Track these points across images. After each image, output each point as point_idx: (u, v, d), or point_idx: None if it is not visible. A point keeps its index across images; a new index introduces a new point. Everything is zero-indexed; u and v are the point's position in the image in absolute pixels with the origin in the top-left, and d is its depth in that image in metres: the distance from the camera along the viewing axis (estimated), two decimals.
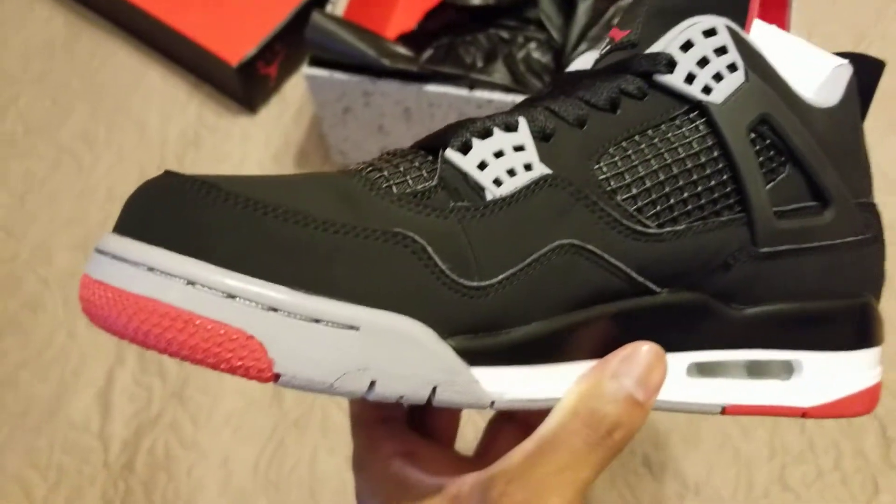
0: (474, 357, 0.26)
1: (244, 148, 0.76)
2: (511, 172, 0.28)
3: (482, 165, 0.28)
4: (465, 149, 0.28)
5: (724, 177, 0.30)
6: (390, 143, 0.68)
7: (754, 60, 0.30)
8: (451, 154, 0.28)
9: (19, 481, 0.61)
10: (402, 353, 0.25)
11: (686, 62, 0.30)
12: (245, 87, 0.74)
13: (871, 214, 0.34)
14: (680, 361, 0.31)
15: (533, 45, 0.73)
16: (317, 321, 0.23)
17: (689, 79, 0.30)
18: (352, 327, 0.24)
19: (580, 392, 0.29)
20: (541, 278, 0.27)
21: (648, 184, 0.29)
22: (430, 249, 0.26)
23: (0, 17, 0.88)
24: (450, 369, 0.25)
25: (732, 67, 0.30)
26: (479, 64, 0.72)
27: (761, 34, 0.32)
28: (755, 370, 0.33)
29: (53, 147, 0.78)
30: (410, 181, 0.27)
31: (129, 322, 0.23)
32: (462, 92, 0.60)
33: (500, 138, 0.28)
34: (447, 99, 0.61)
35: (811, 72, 0.32)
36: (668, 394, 0.30)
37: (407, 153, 0.29)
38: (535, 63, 0.72)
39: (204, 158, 0.75)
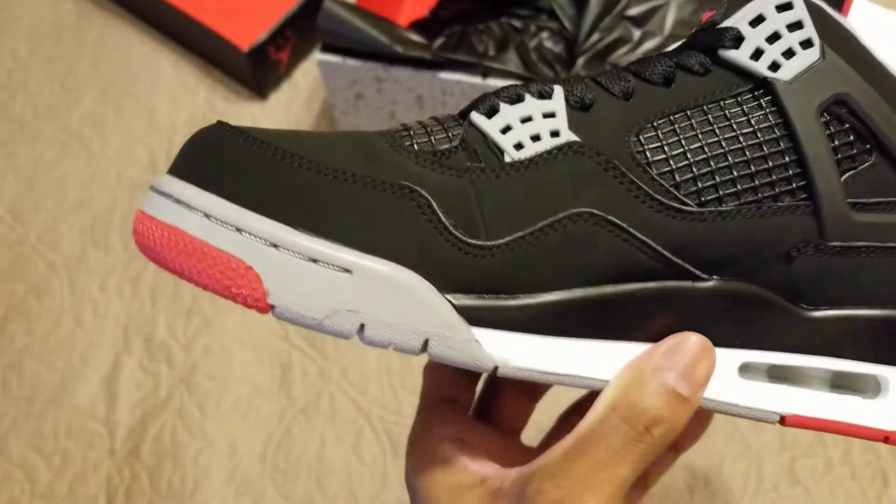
0: (478, 317, 0.26)
1: None
2: (535, 138, 0.27)
3: (506, 129, 0.28)
4: (492, 112, 0.28)
5: (787, 159, 0.28)
6: None
7: (836, 37, 0.28)
8: (477, 117, 0.28)
9: (24, 467, 0.61)
10: (394, 301, 0.26)
11: (754, 37, 0.28)
12: (255, 72, 0.74)
13: None
14: (731, 359, 0.29)
15: (545, 34, 0.73)
16: (314, 261, 0.25)
17: (757, 55, 0.28)
18: (346, 270, 0.25)
19: (620, 385, 0.27)
20: (555, 246, 0.27)
21: (691, 160, 0.27)
22: (434, 204, 0.26)
23: (9, 0, 0.87)
24: (444, 324, 0.26)
25: (807, 44, 0.28)
26: (491, 52, 0.71)
27: (867, 14, 0.30)
28: (833, 382, 0.30)
29: (62, 131, 0.78)
30: (434, 141, 0.28)
31: (156, 246, 0.26)
32: (475, 80, 0.59)
33: (530, 104, 0.28)
34: (460, 86, 0.60)
35: None
36: (716, 392, 0.28)
37: (444, 118, 0.29)
38: (548, 52, 0.71)
39: None
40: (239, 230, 0.25)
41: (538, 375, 0.27)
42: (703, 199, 0.27)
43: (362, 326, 0.26)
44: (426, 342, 0.26)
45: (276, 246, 0.25)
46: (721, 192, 0.27)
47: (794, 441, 0.57)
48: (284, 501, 0.58)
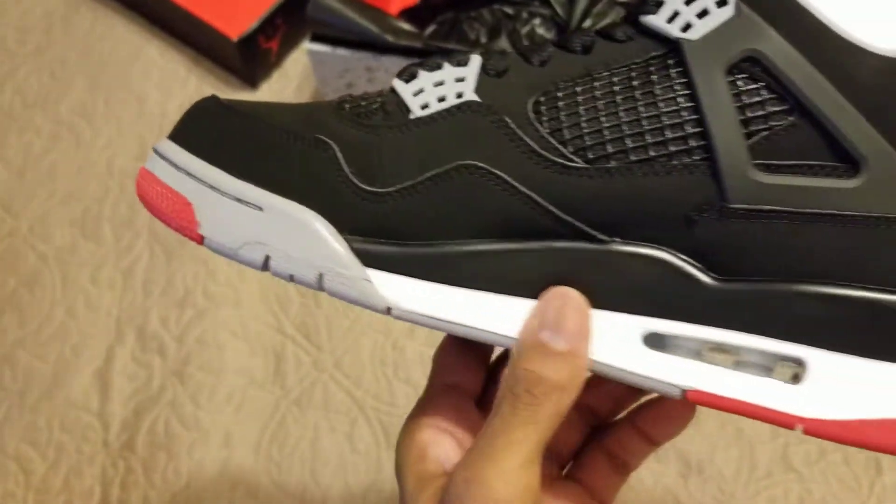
0: (373, 259, 0.29)
1: None
2: (441, 99, 0.29)
3: (418, 92, 0.30)
4: (410, 78, 0.30)
5: (684, 118, 0.27)
6: None
7: None
8: (397, 82, 0.31)
9: (18, 460, 0.61)
10: (295, 237, 0.29)
11: (673, 1, 0.28)
12: (246, 61, 0.73)
13: None
14: (635, 326, 0.28)
15: (537, 20, 0.72)
16: (238, 200, 0.29)
17: (673, 17, 0.28)
18: (258, 208, 0.29)
19: (512, 351, 0.28)
20: (443, 196, 0.28)
21: (583, 118, 0.28)
22: (339, 155, 0.29)
23: None
24: (338, 261, 0.28)
25: (721, 2, 0.27)
26: (483, 40, 0.71)
27: None
28: (746, 360, 0.28)
29: (52, 121, 0.77)
30: (362, 104, 0.31)
31: (141, 191, 0.31)
32: None
33: (446, 71, 0.30)
34: None
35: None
36: (616, 360, 0.28)
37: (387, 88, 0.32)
38: (540, 39, 0.71)
39: None
40: (189, 174, 0.30)
41: (429, 321, 0.29)
42: (590, 156, 0.28)
43: (267, 258, 0.29)
44: (321, 277, 0.29)
45: (212, 187, 0.29)
46: (609, 150, 0.27)
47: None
48: (279, 492, 0.58)
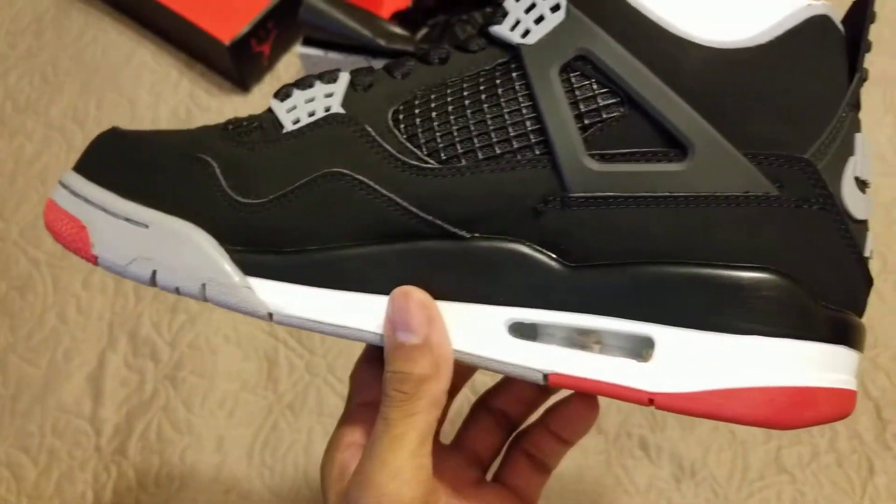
0: (253, 268, 0.30)
1: None
2: (311, 114, 0.31)
3: (291, 108, 0.32)
4: (285, 97, 0.32)
5: (525, 116, 0.29)
6: None
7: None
8: (273, 101, 0.33)
9: (9, 465, 0.60)
10: (179, 252, 0.30)
11: (515, 10, 0.30)
12: (238, 65, 0.73)
13: (795, 171, 0.28)
14: (499, 316, 0.29)
15: None
16: (127, 220, 0.31)
17: (515, 25, 0.30)
18: (144, 226, 0.31)
19: None
20: (312, 203, 0.30)
21: (436, 123, 0.30)
22: (218, 171, 0.31)
23: None
24: (219, 271, 0.30)
25: (555, 8, 0.29)
26: None
27: None
28: (603, 342, 0.29)
29: (43, 125, 0.77)
30: (244, 123, 0.33)
31: (46, 219, 0.32)
32: None
33: (317, 88, 0.32)
34: None
35: (746, 10, 0.29)
36: (481, 349, 0.29)
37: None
38: None
39: None
40: (85, 199, 0.31)
41: (311, 325, 0.30)
42: (442, 157, 0.29)
43: (154, 273, 0.30)
44: (204, 287, 0.30)
45: (104, 209, 0.31)
46: (459, 150, 0.29)
47: (779, 430, 0.57)
48: (272, 497, 0.57)
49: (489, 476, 0.40)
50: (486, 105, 0.29)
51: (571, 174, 0.28)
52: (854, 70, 0.30)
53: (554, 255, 0.29)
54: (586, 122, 0.29)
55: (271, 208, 0.30)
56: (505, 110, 0.29)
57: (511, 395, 0.39)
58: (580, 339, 0.29)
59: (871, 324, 0.59)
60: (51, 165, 0.74)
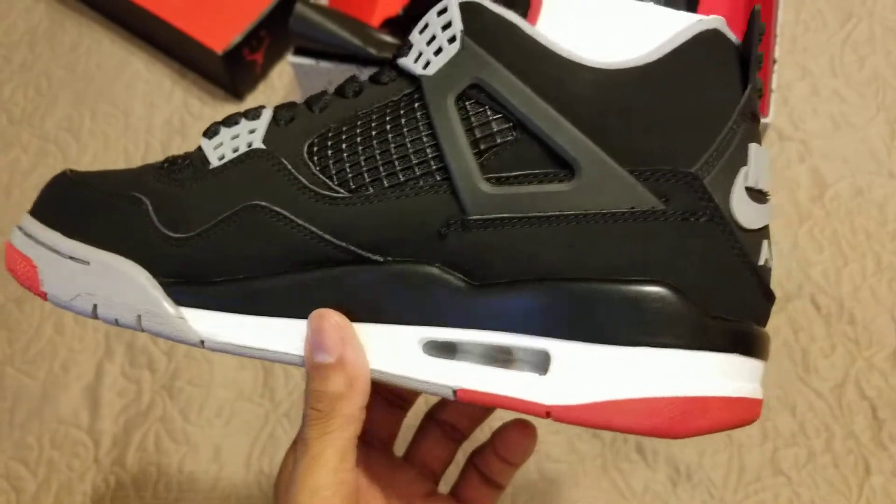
0: (185, 298, 0.32)
1: None
2: (235, 150, 0.33)
3: (218, 145, 0.33)
4: (213, 135, 0.34)
5: (426, 144, 0.30)
6: None
7: (482, 28, 0.30)
8: (202, 139, 0.34)
9: (8, 478, 0.61)
10: (117, 286, 0.32)
11: (419, 42, 0.31)
12: (231, 74, 0.73)
13: (681, 185, 0.29)
14: (412, 336, 0.31)
15: None
16: (70, 258, 0.32)
17: (418, 57, 0.31)
18: (85, 262, 0.32)
19: None
20: (235, 235, 0.32)
21: (346, 154, 0.31)
22: (150, 208, 0.33)
23: None
24: (153, 303, 0.32)
25: (452, 39, 0.30)
26: None
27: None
28: (507, 357, 0.30)
29: (38, 137, 0.77)
30: (179, 161, 0.34)
31: (6, 261, 0.34)
32: None
33: (241, 125, 0.34)
34: None
35: (637, 31, 0.30)
36: (394, 368, 0.31)
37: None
38: None
39: (190, 146, 0.74)
40: (36, 240, 0.33)
41: (241, 350, 0.32)
42: (352, 186, 0.31)
43: (95, 306, 0.32)
44: (139, 318, 0.32)
45: (51, 249, 0.33)
46: (366, 179, 0.31)
47: (775, 431, 0.57)
48: None
49: (448, 489, 0.41)
50: (391, 134, 0.31)
51: (469, 198, 0.29)
52: (748, 81, 0.30)
53: (461, 276, 0.30)
54: (482, 147, 0.30)
55: (199, 242, 0.32)
56: (408, 139, 0.30)
57: (456, 409, 0.40)
58: (496, 356, 0.30)
59: (865, 324, 0.60)
60: (46, 177, 0.74)
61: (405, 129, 0.31)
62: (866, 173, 0.67)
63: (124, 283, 0.32)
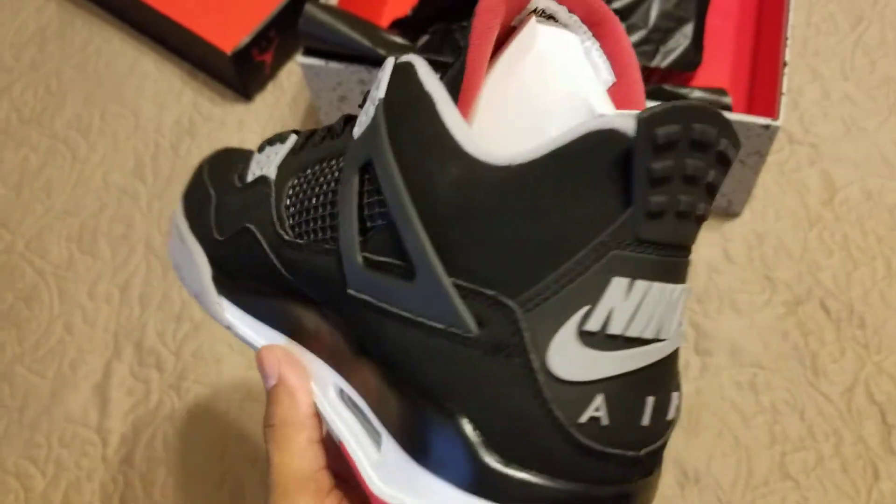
0: (220, 289, 0.36)
1: (240, 136, 0.75)
2: (257, 172, 0.36)
3: (256, 163, 0.37)
4: (260, 150, 0.37)
5: (334, 208, 0.30)
6: None
7: (395, 97, 0.27)
8: (254, 153, 0.38)
9: (18, 476, 0.61)
10: (190, 265, 0.38)
11: (370, 100, 0.29)
12: (240, 74, 0.73)
13: (498, 315, 0.25)
14: (332, 382, 0.32)
15: None
16: (179, 237, 0.39)
17: (362, 118, 0.30)
18: (182, 241, 0.38)
19: None
20: (240, 250, 0.35)
21: (297, 200, 0.33)
22: (212, 207, 0.38)
23: None
24: (203, 287, 0.37)
25: (378, 106, 0.28)
26: None
27: (545, 37, 0.28)
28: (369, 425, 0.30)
29: (48, 136, 0.77)
30: (240, 170, 0.39)
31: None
32: None
33: (273, 148, 0.36)
34: None
35: (544, 123, 0.27)
36: (323, 409, 0.32)
37: None
38: None
39: (199, 146, 0.75)
40: (176, 226, 0.40)
41: (249, 344, 0.35)
42: (296, 231, 0.32)
43: (182, 277, 0.39)
44: (198, 296, 0.37)
45: (177, 226, 0.39)
46: (302, 229, 0.32)
47: (784, 435, 0.57)
48: None
49: None
50: (320, 190, 0.31)
51: (350, 271, 0.29)
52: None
53: (350, 337, 0.30)
54: (367, 224, 0.28)
55: (225, 247, 0.36)
56: (329, 199, 0.31)
57: None
58: (364, 421, 0.31)
59: (875, 328, 0.59)
60: (55, 177, 0.75)
61: (328, 189, 0.31)
62: (877, 177, 0.67)
63: (193, 264, 0.37)
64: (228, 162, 0.40)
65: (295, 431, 0.32)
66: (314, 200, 0.31)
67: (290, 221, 0.33)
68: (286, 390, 0.32)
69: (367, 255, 0.28)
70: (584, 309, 0.24)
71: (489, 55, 0.27)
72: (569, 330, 0.25)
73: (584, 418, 0.25)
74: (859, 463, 0.56)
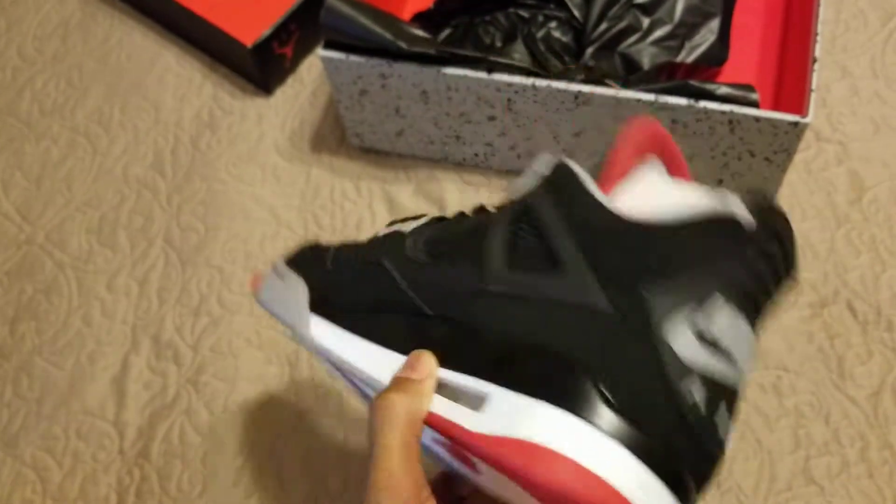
0: (316, 307, 0.41)
1: (260, 129, 0.75)
2: (392, 227, 0.43)
3: (384, 228, 0.44)
4: (389, 225, 0.43)
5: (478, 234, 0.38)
6: (407, 126, 0.66)
7: (551, 177, 0.38)
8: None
9: (35, 468, 0.61)
10: (287, 300, 0.42)
11: (528, 176, 0.40)
12: (260, 67, 0.73)
13: (632, 301, 0.33)
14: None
15: (553, 24, 0.71)
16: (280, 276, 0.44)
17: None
18: (281, 277, 0.44)
19: None
20: (364, 278, 0.41)
21: (437, 235, 0.40)
22: (317, 252, 0.45)
23: None
24: (300, 314, 0.41)
25: (534, 176, 0.39)
26: (498, 44, 0.70)
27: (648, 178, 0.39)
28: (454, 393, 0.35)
29: (68, 129, 0.78)
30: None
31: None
32: (480, 75, 0.58)
33: (416, 222, 0.42)
34: (465, 82, 0.59)
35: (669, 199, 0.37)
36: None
37: None
38: (556, 42, 0.70)
39: (219, 140, 0.74)
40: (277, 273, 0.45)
41: (331, 356, 0.39)
42: (432, 253, 0.39)
43: (277, 312, 0.43)
44: (293, 325, 0.41)
45: (278, 277, 0.44)
46: (440, 250, 0.39)
47: (808, 439, 0.56)
48: (293, 502, 0.57)
49: None
50: (463, 225, 0.40)
51: (491, 272, 0.36)
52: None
53: (458, 334, 0.36)
54: (516, 242, 0.37)
55: (336, 275, 0.42)
56: (472, 227, 0.39)
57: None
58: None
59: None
60: (76, 169, 0.75)
61: (472, 224, 0.40)
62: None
63: (291, 295, 0.42)
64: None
65: (409, 425, 0.35)
66: (457, 231, 0.39)
67: (427, 248, 0.39)
68: (420, 391, 0.35)
69: (513, 260, 0.36)
70: (693, 303, 0.32)
71: (626, 163, 0.38)
72: (682, 314, 0.32)
73: (684, 387, 0.31)
74: (885, 468, 0.55)
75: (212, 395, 0.62)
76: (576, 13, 0.71)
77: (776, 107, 0.66)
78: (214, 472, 0.59)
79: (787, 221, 0.36)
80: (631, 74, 0.67)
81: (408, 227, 0.42)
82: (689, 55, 0.68)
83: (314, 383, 0.61)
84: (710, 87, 0.57)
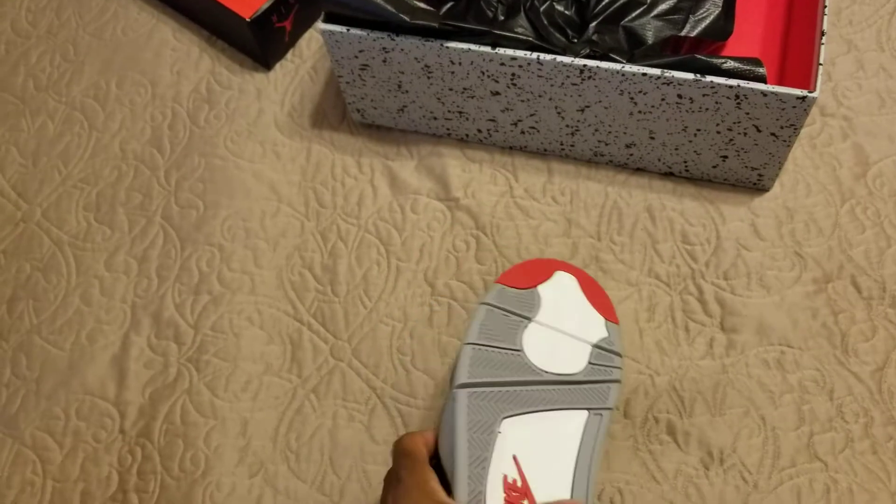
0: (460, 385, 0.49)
1: (259, 104, 0.74)
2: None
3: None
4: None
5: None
6: (409, 102, 0.66)
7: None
8: None
9: (35, 448, 0.60)
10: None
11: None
12: (259, 41, 0.72)
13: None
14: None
15: None
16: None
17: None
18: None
19: None
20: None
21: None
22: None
23: None
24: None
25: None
26: (501, 17, 0.69)
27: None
28: None
29: (64, 104, 0.76)
30: None
31: None
32: (484, 49, 0.58)
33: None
34: (469, 56, 0.58)
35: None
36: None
37: None
38: (559, 16, 0.69)
39: (218, 115, 0.73)
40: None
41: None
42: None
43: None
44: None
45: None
46: None
47: (812, 415, 0.56)
48: (297, 481, 0.57)
49: None
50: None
51: None
52: None
53: None
54: None
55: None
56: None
57: None
58: None
59: None
60: (72, 145, 0.74)
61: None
62: None
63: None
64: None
65: (419, 463, 0.45)
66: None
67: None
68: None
69: None
70: None
71: None
72: None
73: None
74: (890, 444, 0.55)
75: (213, 374, 0.61)
76: None
77: (781, 81, 0.66)
78: (217, 452, 0.59)
79: None
80: (635, 49, 0.66)
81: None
82: (693, 29, 0.67)
83: (317, 363, 0.61)
84: (716, 61, 0.56)
